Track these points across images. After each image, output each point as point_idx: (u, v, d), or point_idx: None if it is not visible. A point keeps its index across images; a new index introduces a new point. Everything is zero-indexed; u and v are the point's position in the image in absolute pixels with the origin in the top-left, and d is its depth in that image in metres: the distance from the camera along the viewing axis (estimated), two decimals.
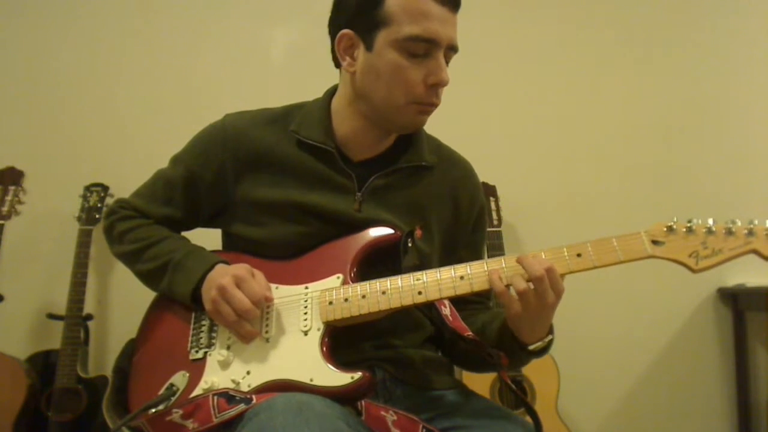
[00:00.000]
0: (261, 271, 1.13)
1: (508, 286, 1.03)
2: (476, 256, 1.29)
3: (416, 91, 1.12)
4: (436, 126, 1.30)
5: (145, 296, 1.26)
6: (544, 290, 1.00)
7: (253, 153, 1.21)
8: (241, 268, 1.11)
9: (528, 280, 1.01)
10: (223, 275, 1.10)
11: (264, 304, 1.09)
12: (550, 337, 1.10)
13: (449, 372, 1.25)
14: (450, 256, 1.23)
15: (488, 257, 1.10)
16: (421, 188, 1.23)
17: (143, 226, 1.26)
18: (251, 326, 1.08)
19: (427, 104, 1.15)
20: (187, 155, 1.27)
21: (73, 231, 2.18)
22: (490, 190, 2.34)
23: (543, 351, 1.11)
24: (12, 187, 2.14)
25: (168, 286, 1.18)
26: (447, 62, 1.15)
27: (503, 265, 1.04)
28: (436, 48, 1.10)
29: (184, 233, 1.30)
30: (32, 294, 2.30)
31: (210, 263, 1.15)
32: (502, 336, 1.12)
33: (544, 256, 1.03)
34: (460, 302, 1.22)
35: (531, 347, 1.09)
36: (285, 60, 2.51)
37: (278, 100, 1.30)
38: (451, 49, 1.14)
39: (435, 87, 1.13)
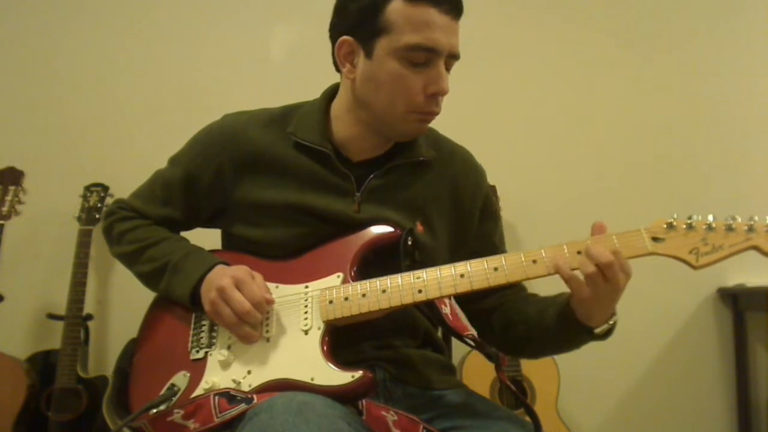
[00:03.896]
0: (261, 271, 1.13)
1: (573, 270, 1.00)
2: (488, 246, 1.26)
3: (416, 100, 1.12)
4: (435, 126, 1.30)
5: (145, 296, 1.26)
6: (614, 274, 0.98)
7: (251, 154, 1.20)
8: (241, 270, 1.11)
9: (596, 266, 0.98)
10: (222, 276, 1.10)
11: (264, 307, 1.08)
12: (615, 318, 1.08)
13: (450, 372, 1.25)
14: (460, 251, 1.21)
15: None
16: (420, 185, 1.22)
17: (142, 227, 1.26)
18: (251, 328, 1.08)
19: (427, 113, 1.14)
20: (185, 156, 1.26)
21: (73, 231, 2.17)
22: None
23: (608, 333, 1.08)
24: (12, 187, 2.13)
25: (166, 288, 1.18)
26: (448, 69, 1.14)
27: (565, 251, 1.02)
28: (436, 57, 1.10)
29: (184, 233, 1.30)
30: (32, 294, 2.30)
31: (209, 265, 1.14)
32: (565, 321, 1.08)
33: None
34: (497, 290, 1.19)
35: (597, 330, 1.06)
36: (285, 60, 2.51)
37: (278, 100, 1.30)
38: (452, 56, 1.13)
39: (435, 96, 1.12)
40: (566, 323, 1.08)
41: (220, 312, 1.08)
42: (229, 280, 1.08)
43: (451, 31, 1.11)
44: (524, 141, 2.54)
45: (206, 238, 1.29)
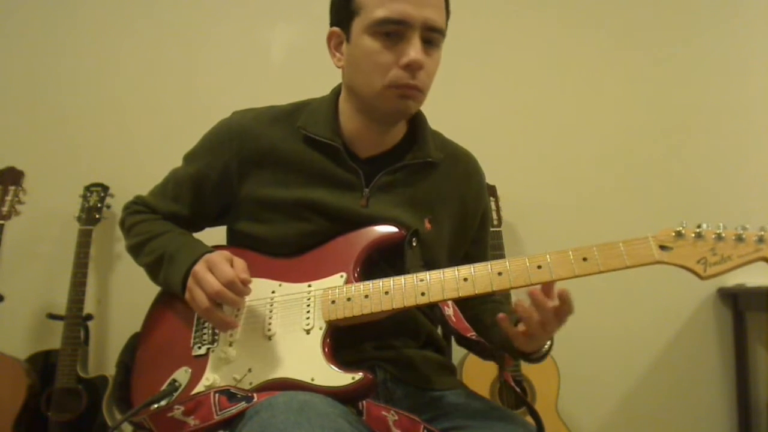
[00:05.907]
0: (265, 269, 1.13)
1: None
2: (480, 250, 1.31)
3: (390, 75, 1.10)
4: (436, 126, 1.30)
5: (145, 296, 1.26)
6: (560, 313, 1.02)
7: (258, 150, 1.21)
8: (217, 255, 1.11)
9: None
10: (200, 263, 1.10)
11: (238, 286, 1.06)
12: (547, 345, 1.11)
13: (450, 372, 1.25)
14: (457, 252, 1.23)
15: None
16: (428, 184, 1.23)
17: (148, 221, 1.27)
18: (224, 313, 1.07)
19: (404, 86, 1.11)
20: (196, 154, 1.28)
21: (73, 231, 2.17)
22: (490, 190, 2.33)
23: (542, 358, 1.12)
24: (12, 187, 2.13)
25: (164, 279, 1.19)
26: (434, 44, 1.12)
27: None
28: (409, 29, 1.08)
29: (196, 234, 1.30)
30: (32, 294, 2.30)
31: (197, 255, 1.14)
32: (504, 341, 1.12)
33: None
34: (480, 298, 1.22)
35: (533, 356, 1.11)
36: (285, 60, 2.51)
37: (278, 100, 1.30)
38: (431, 29, 1.10)
39: (409, 68, 1.09)
40: (506, 345, 1.12)
41: (195, 297, 1.08)
42: (203, 265, 1.09)
43: (423, 2, 1.09)
44: (524, 141, 2.54)
45: (212, 235, 1.29)
